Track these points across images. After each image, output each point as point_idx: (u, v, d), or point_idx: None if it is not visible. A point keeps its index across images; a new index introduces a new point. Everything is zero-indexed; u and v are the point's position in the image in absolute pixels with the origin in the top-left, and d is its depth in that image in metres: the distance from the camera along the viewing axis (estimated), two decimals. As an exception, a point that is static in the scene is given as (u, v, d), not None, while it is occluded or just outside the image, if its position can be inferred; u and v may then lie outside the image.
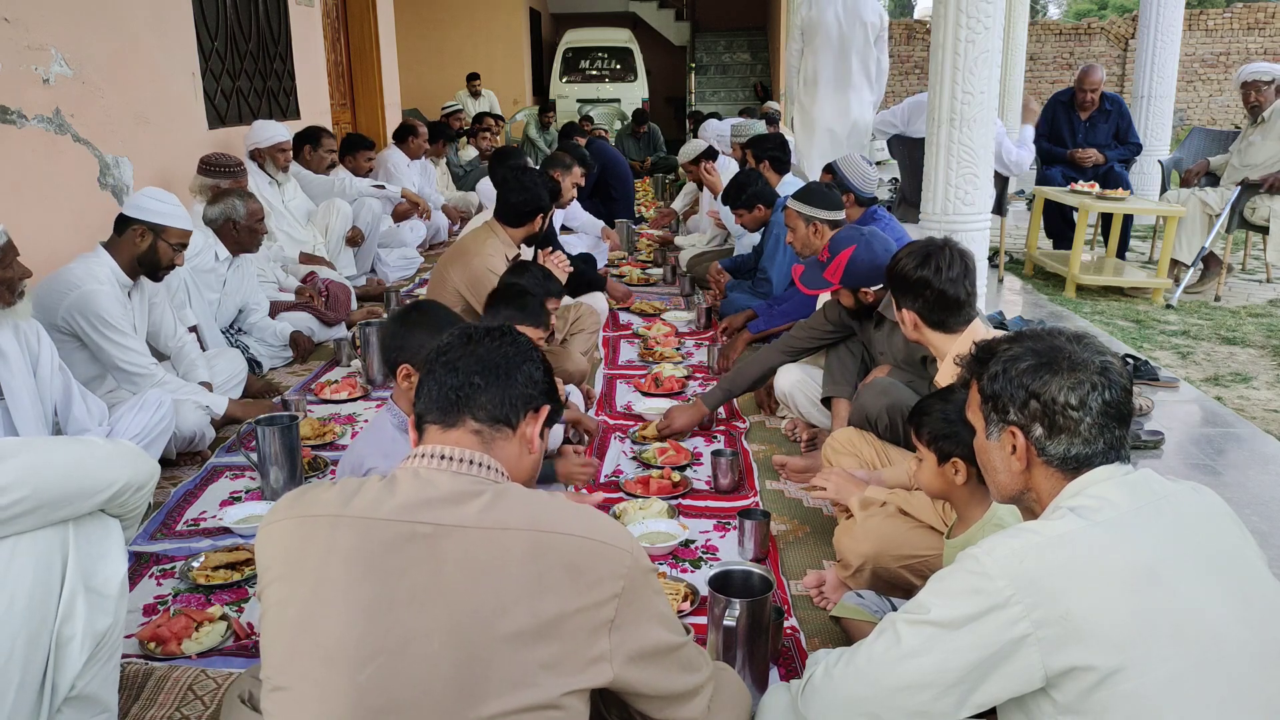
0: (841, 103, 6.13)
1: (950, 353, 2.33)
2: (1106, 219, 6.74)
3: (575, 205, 5.81)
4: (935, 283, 2.33)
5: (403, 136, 7.06)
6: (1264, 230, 5.89)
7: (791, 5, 5.67)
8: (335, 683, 1.17)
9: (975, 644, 1.28)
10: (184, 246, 3.29)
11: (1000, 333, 2.27)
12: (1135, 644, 1.22)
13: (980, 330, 2.36)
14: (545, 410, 1.44)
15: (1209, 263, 6.06)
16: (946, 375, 2.31)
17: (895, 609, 1.72)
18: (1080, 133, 6.71)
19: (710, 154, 6.34)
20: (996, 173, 5.01)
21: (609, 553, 1.27)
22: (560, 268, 3.64)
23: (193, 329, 3.73)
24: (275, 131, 5.11)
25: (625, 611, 1.25)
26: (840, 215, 3.58)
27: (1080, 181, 6.24)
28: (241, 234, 4.00)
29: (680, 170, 7.82)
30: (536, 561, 1.22)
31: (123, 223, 3.18)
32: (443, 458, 1.31)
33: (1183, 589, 1.26)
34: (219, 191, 4.13)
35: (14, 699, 1.49)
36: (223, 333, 4.04)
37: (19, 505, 1.52)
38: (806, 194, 3.62)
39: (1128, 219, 6.59)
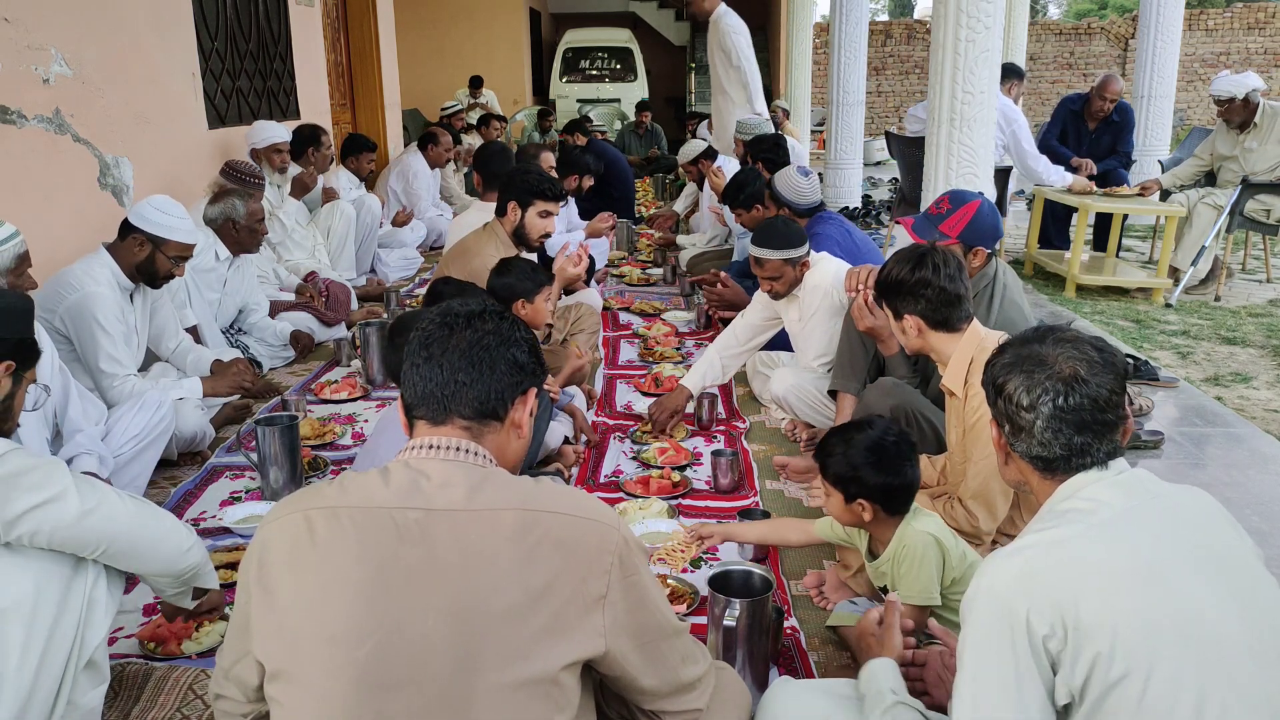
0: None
1: (955, 355, 2.33)
2: (1102, 220, 6.70)
3: (571, 205, 5.82)
4: (936, 280, 2.33)
5: (424, 144, 7.18)
6: (1273, 230, 5.88)
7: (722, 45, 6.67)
8: (338, 664, 1.21)
9: (1028, 671, 1.25)
10: (185, 259, 3.28)
11: (1000, 333, 2.28)
12: (1136, 644, 1.21)
13: (980, 330, 2.36)
14: (533, 393, 1.44)
15: (1214, 262, 6.04)
16: (954, 377, 2.32)
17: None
18: (1085, 142, 6.67)
19: (709, 154, 6.34)
20: (997, 171, 5.01)
21: (598, 529, 1.29)
22: (581, 255, 3.71)
23: (192, 329, 3.73)
24: (272, 132, 5.04)
25: (617, 587, 1.28)
26: (806, 247, 3.33)
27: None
28: (241, 234, 4.00)
29: (680, 170, 7.81)
30: (526, 538, 1.25)
31: (125, 229, 3.18)
32: (431, 446, 1.34)
33: (1181, 588, 1.25)
34: (220, 191, 4.13)
35: (63, 664, 1.63)
36: (223, 333, 4.04)
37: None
38: (778, 238, 3.24)
39: (1125, 219, 6.56)
